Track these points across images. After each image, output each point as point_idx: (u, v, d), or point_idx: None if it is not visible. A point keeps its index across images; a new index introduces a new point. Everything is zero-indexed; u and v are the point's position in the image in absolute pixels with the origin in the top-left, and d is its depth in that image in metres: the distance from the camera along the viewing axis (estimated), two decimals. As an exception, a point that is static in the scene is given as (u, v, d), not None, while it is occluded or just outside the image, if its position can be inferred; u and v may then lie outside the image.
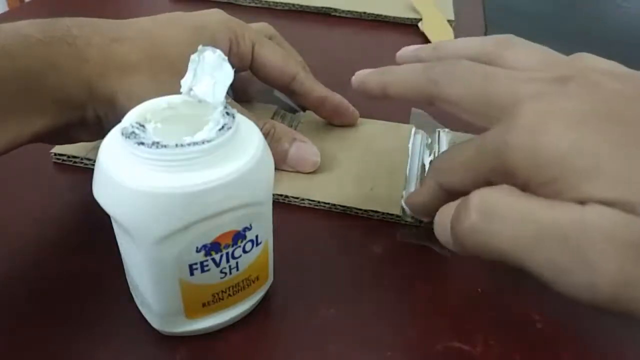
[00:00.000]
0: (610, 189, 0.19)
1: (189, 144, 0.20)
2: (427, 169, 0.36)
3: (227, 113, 0.22)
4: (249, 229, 0.23)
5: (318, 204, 0.33)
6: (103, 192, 0.21)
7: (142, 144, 0.20)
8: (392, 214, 0.32)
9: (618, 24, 0.68)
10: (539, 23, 0.65)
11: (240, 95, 0.40)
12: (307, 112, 0.41)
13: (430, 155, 0.38)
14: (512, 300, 0.28)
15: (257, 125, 0.24)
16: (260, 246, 0.24)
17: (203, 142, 0.20)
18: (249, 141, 0.22)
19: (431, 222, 0.32)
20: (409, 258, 0.30)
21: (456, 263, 0.30)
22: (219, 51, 0.22)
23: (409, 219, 0.32)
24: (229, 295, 0.24)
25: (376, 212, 0.32)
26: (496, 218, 0.21)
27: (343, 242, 0.31)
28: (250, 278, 0.24)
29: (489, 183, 0.23)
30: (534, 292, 0.28)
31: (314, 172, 0.35)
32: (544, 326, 0.26)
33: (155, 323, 0.24)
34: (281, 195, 0.33)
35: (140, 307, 0.25)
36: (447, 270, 0.29)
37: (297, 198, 0.33)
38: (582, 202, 0.20)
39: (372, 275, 0.29)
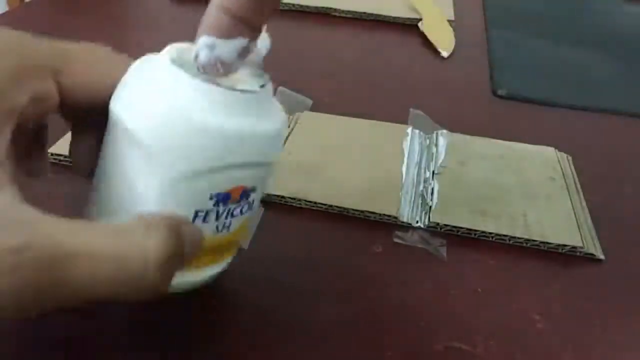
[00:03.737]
0: None
1: (241, 90, 0.20)
2: (427, 174, 0.36)
3: (260, 75, 0.22)
4: (254, 191, 0.23)
5: (315, 205, 0.33)
6: (136, 114, 0.20)
7: (202, 79, 0.20)
8: (389, 215, 0.32)
9: (619, 24, 0.68)
10: (539, 23, 0.65)
11: None
12: (305, 112, 0.41)
13: (427, 157, 0.38)
14: (512, 300, 0.28)
15: None
16: (252, 212, 0.24)
17: (253, 92, 0.21)
18: (275, 104, 0.23)
19: (427, 224, 0.32)
20: (409, 258, 0.30)
21: (456, 263, 0.30)
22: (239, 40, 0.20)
23: (404, 220, 0.32)
24: (208, 255, 0.23)
25: (373, 212, 0.32)
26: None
27: (343, 242, 0.31)
28: (232, 241, 0.24)
29: None
30: (534, 292, 0.28)
31: (311, 173, 0.35)
32: (544, 326, 0.26)
33: None
34: (278, 195, 0.33)
35: None
36: (447, 270, 0.29)
37: (294, 199, 0.33)
38: None
39: (371, 275, 0.29)
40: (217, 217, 0.22)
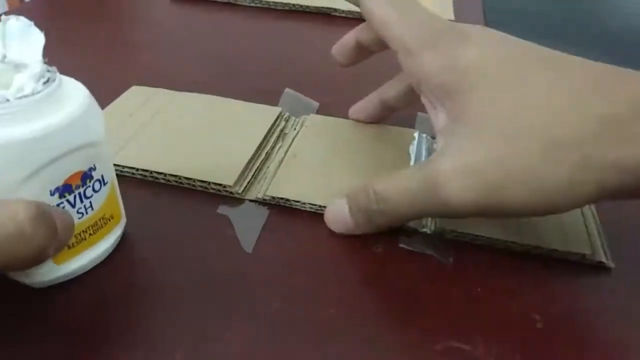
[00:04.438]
0: None
1: (25, 96, 0.22)
2: None
3: (48, 70, 0.24)
4: (94, 169, 0.25)
5: (320, 209, 0.32)
6: None
7: None
8: None
9: (618, 24, 0.69)
10: (539, 23, 0.65)
11: None
12: (311, 115, 0.41)
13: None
14: (512, 300, 0.28)
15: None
16: (107, 186, 0.26)
17: (33, 94, 0.22)
18: (75, 90, 0.25)
19: (434, 229, 0.31)
20: (409, 258, 0.30)
21: (456, 263, 0.30)
22: (22, 17, 0.24)
23: (410, 225, 0.32)
24: (90, 234, 0.26)
25: None
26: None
27: (343, 243, 0.31)
28: (105, 217, 0.27)
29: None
30: (534, 292, 0.28)
31: (316, 176, 0.35)
32: (544, 326, 0.26)
33: (23, 278, 0.25)
34: (282, 198, 0.33)
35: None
36: (446, 270, 0.29)
37: (299, 202, 0.33)
38: None
39: (372, 276, 0.29)
40: (73, 205, 0.24)
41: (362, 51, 0.37)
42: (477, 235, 0.31)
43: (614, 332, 0.27)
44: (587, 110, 0.24)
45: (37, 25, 0.24)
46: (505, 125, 0.25)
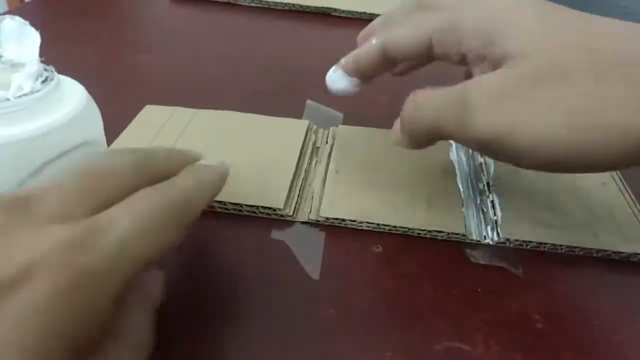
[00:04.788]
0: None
1: (24, 95, 0.22)
2: (480, 186, 0.35)
3: (45, 69, 0.24)
4: None
5: (378, 227, 0.31)
6: None
7: None
8: (457, 233, 0.31)
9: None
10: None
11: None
12: (341, 127, 0.39)
13: (476, 168, 0.36)
14: (512, 300, 0.28)
15: None
16: None
17: (32, 92, 0.22)
18: (73, 89, 0.25)
19: (497, 240, 0.31)
20: (409, 258, 0.30)
21: (456, 263, 0.30)
22: (17, 17, 0.24)
23: (473, 238, 0.31)
24: None
25: (440, 232, 0.31)
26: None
27: (343, 243, 0.31)
28: None
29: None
30: (534, 292, 0.28)
31: (364, 192, 0.33)
32: (544, 326, 0.26)
33: None
34: (337, 218, 0.31)
35: None
36: (447, 270, 0.29)
37: (355, 221, 0.31)
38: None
39: (372, 275, 0.29)
40: None
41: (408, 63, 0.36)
42: (540, 243, 0.31)
43: (614, 332, 0.27)
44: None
45: (37, 24, 0.24)
46: (541, 57, 0.25)
